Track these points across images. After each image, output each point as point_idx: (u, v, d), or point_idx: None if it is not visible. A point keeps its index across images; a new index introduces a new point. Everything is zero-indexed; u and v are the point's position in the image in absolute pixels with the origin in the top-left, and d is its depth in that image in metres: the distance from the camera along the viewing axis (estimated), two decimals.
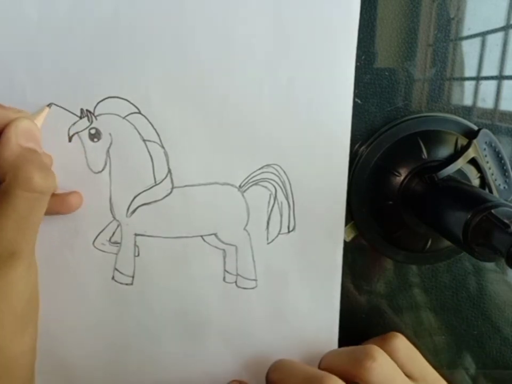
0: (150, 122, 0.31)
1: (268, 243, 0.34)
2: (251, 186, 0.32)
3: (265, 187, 0.33)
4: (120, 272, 0.33)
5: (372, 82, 0.33)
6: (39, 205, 0.26)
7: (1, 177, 0.25)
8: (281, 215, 0.33)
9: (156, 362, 0.35)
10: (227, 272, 0.34)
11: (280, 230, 0.34)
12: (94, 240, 0.32)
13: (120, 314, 0.34)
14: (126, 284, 0.33)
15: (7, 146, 0.25)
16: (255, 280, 0.34)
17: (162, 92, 0.30)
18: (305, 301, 0.35)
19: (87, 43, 0.29)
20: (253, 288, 0.34)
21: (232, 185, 0.32)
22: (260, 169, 0.32)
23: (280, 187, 0.33)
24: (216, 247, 0.33)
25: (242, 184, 0.32)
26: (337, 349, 0.33)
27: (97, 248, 0.32)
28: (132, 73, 0.30)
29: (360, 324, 0.32)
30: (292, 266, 0.34)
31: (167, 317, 0.34)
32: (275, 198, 0.33)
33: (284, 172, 0.33)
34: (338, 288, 0.35)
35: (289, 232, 0.34)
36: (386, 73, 0.33)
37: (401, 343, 0.33)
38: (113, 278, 0.33)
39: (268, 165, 0.32)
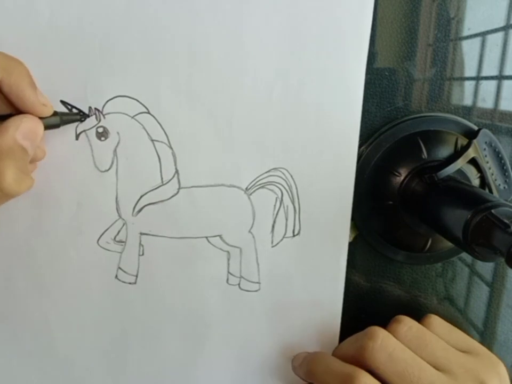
0: (159, 123, 0.31)
1: (272, 246, 0.34)
2: (257, 189, 0.33)
3: (272, 190, 0.33)
4: (124, 271, 0.33)
5: (372, 82, 0.33)
6: None
7: None
8: (286, 219, 0.33)
9: (157, 362, 0.35)
10: (230, 274, 0.34)
11: (285, 234, 0.34)
12: (99, 239, 0.32)
13: (122, 313, 0.34)
14: (130, 283, 0.33)
15: (3, 134, 0.25)
16: (258, 283, 0.34)
17: (172, 92, 0.30)
18: (308, 304, 0.35)
19: (97, 42, 0.29)
20: (256, 291, 0.34)
21: (238, 187, 0.33)
22: (266, 172, 0.33)
23: (287, 191, 0.33)
24: (220, 249, 0.33)
25: (248, 187, 0.33)
26: (346, 339, 0.33)
27: (101, 247, 0.32)
28: (142, 73, 0.30)
29: (362, 327, 0.33)
30: (295, 270, 0.34)
31: (169, 317, 0.34)
32: (281, 201, 0.33)
33: (291, 176, 0.33)
34: (341, 293, 0.35)
35: (294, 236, 0.34)
36: (386, 73, 0.34)
37: (408, 326, 0.33)
38: (116, 276, 0.33)
39: (275, 169, 0.33)
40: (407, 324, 0.33)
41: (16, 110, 0.26)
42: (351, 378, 0.29)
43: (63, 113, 0.29)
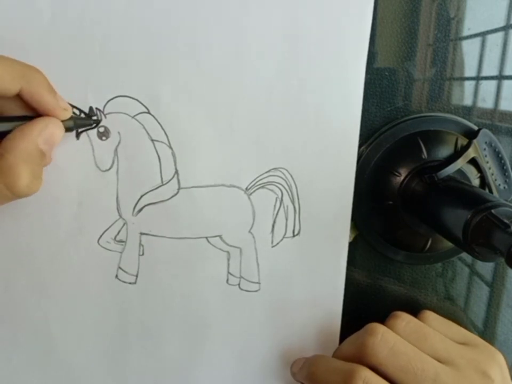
0: (159, 123, 0.31)
1: (272, 246, 0.34)
2: (257, 189, 0.33)
3: (272, 190, 0.33)
4: (124, 271, 0.33)
5: (372, 82, 0.33)
6: (2, 200, 0.25)
7: None
8: (286, 219, 0.33)
9: (157, 362, 0.35)
10: (230, 274, 0.34)
11: (285, 234, 0.34)
12: (99, 238, 0.32)
13: (122, 313, 0.34)
14: (130, 283, 0.33)
15: (25, 137, 0.25)
16: (258, 283, 0.34)
17: (172, 93, 0.30)
18: (308, 304, 0.35)
19: (98, 42, 0.29)
20: (256, 291, 0.34)
21: (238, 187, 0.33)
22: (266, 172, 0.33)
23: (287, 191, 0.33)
24: (220, 249, 0.33)
25: (248, 187, 0.33)
26: (345, 340, 0.33)
27: (102, 246, 0.32)
28: (142, 72, 0.30)
29: (362, 326, 0.33)
30: (295, 270, 0.34)
31: (169, 317, 0.34)
32: (281, 201, 0.33)
33: (291, 176, 0.33)
34: (341, 293, 0.35)
35: (294, 236, 0.34)
36: (386, 73, 0.34)
37: (406, 321, 0.33)
38: (116, 276, 0.33)
39: (275, 168, 0.33)
40: (404, 319, 0.33)
41: (38, 115, 0.27)
42: (352, 373, 0.29)
43: (77, 117, 0.29)
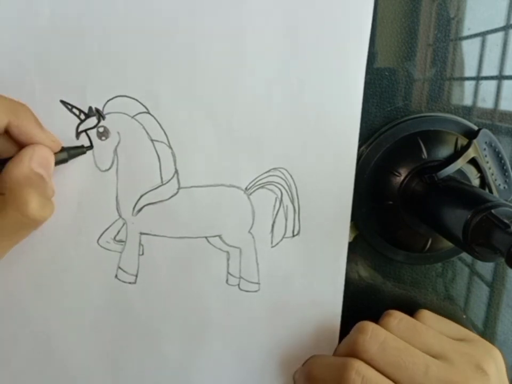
0: (159, 123, 0.31)
1: (272, 246, 0.34)
2: (257, 189, 0.33)
3: (271, 190, 0.33)
4: (124, 271, 0.33)
5: (372, 82, 0.33)
6: (25, 230, 0.27)
7: (3, 191, 0.25)
8: (286, 219, 0.33)
9: (157, 362, 0.35)
10: (230, 274, 0.34)
11: (284, 234, 0.34)
12: (99, 238, 0.32)
13: (122, 313, 0.34)
14: (129, 283, 0.33)
15: (18, 164, 0.26)
16: (258, 283, 0.34)
17: (172, 92, 0.30)
18: (308, 305, 0.35)
19: (97, 41, 0.29)
20: (255, 291, 0.34)
21: (238, 187, 0.33)
22: (266, 172, 0.33)
23: (286, 191, 0.33)
24: (220, 249, 0.33)
25: (248, 187, 0.33)
26: (341, 342, 0.34)
27: (101, 246, 0.32)
28: (142, 72, 0.30)
29: None
30: (295, 271, 0.34)
31: (168, 317, 0.34)
32: (281, 201, 0.33)
33: (291, 176, 0.33)
34: (341, 293, 0.35)
35: (293, 236, 0.34)
36: (386, 73, 0.34)
37: (399, 319, 0.33)
38: (116, 276, 0.33)
39: (274, 169, 0.33)
40: (397, 316, 0.33)
41: None
42: (345, 365, 0.30)
43: (69, 148, 0.29)
